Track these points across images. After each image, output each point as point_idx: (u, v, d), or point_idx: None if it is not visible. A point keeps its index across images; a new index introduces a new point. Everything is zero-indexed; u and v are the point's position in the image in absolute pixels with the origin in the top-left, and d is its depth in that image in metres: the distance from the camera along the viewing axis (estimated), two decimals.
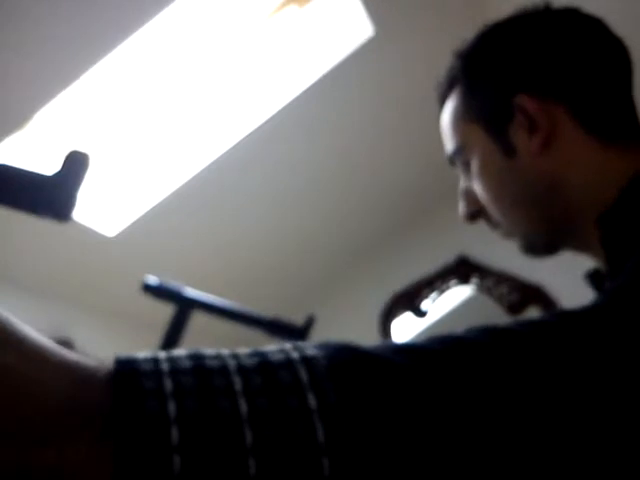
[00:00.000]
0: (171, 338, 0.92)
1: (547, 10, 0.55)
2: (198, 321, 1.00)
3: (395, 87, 2.08)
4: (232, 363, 0.22)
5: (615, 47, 0.53)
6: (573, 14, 0.55)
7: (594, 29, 0.54)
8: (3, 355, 0.19)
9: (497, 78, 0.55)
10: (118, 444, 0.19)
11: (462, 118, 0.57)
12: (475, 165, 0.56)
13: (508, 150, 0.53)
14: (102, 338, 2.06)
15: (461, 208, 0.61)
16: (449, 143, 0.60)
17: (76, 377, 0.21)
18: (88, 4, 1.37)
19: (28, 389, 0.19)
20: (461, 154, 0.58)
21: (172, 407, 0.20)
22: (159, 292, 0.96)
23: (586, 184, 0.50)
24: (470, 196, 0.59)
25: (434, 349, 0.26)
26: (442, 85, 0.60)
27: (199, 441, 0.19)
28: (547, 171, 0.51)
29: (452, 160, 0.61)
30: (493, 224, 0.59)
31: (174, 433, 0.19)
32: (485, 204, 0.58)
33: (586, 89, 0.52)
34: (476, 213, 0.59)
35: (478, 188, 0.57)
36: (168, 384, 0.21)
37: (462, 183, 0.61)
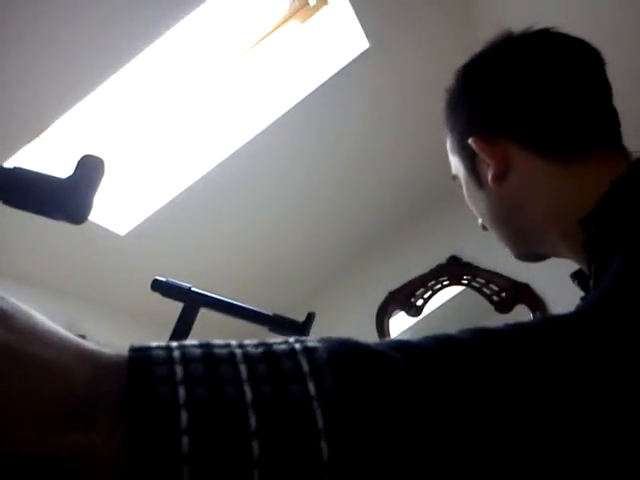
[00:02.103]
0: (180, 333, 0.92)
1: (503, 44, 0.56)
2: (205, 317, 1.00)
3: (390, 98, 2.08)
4: (239, 352, 0.22)
5: (574, 66, 0.53)
6: (529, 41, 0.55)
7: (548, 53, 0.54)
8: (25, 345, 0.20)
9: (459, 120, 0.58)
10: (131, 427, 0.19)
11: (450, 151, 0.63)
12: (463, 191, 0.62)
13: (478, 182, 0.58)
14: (113, 333, 2.06)
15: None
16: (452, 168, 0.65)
17: (95, 364, 0.21)
18: (105, 21, 1.37)
19: (52, 375, 0.19)
20: (456, 180, 0.64)
21: (182, 393, 0.20)
22: (167, 290, 0.96)
23: (549, 201, 0.52)
24: None
25: (429, 347, 0.26)
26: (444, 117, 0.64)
27: (207, 424, 0.19)
28: (508, 197, 0.55)
29: (455, 181, 0.66)
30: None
31: (183, 417, 0.19)
32: None
33: (531, 119, 0.52)
34: (485, 225, 0.65)
35: None
36: (179, 371, 0.21)
37: None
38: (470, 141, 0.55)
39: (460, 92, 0.58)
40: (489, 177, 0.54)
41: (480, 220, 0.64)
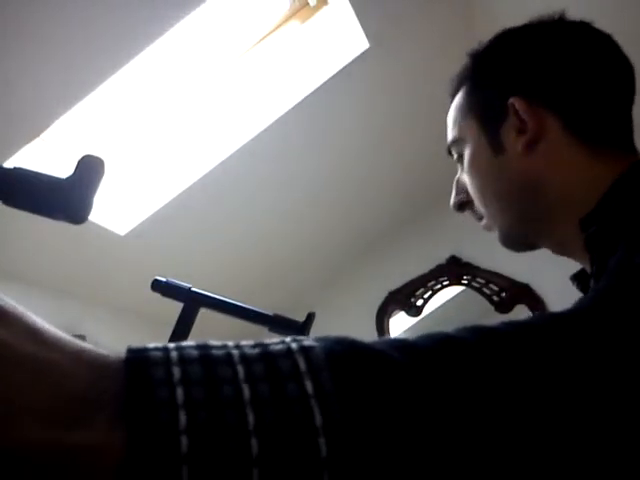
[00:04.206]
0: (180, 333, 0.92)
1: (558, 21, 0.56)
2: (205, 317, 1.00)
3: (390, 98, 2.08)
4: (236, 353, 0.23)
5: (617, 63, 0.54)
6: (582, 28, 0.55)
7: (599, 44, 0.54)
8: (25, 345, 0.20)
9: (498, 79, 0.56)
10: (130, 429, 0.19)
11: (462, 113, 0.59)
12: (466, 157, 0.58)
13: (497, 147, 0.55)
14: (113, 333, 2.06)
15: (452, 197, 0.63)
16: (449, 134, 0.61)
17: (93, 365, 0.21)
18: (103, 22, 1.37)
19: (49, 376, 0.19)
20: (456, 146, 0.60)
21: (180, 394, 0.20)
22: (167, 290, 0.96)
23: (568, 186, 0.50)
24: (461, 186, 0.61)
25: (426, 346, 0.26)
26: (453, 81, 0.62)
27: (205, 424, 0.19)
28: (529, 170, 0.52)
29: (449, 150, 0.62)
30: (477, 216, 0.61)
31: (182, 417, 0.19)
32: (472, 195, 0.59)
33: (579, 99, 0.52)
34: (464, 203, 0.61)
35: (467, 179, 0.59)
36: (176, 372, 0.21)
37: (458, 174, 0.62)
38: (512, 100, 0.53)
39: (504, 53, 0.56)
40: (520, 143, 0.52)
41: (457, 198, 0.61)
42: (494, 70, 0.56)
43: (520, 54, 0.55)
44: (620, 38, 0.54)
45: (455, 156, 0.61)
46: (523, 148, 0.52)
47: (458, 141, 0.60)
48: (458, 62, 0.60)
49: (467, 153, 0.58)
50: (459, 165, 0.61)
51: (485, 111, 0.56)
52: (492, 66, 0.57)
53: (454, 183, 0.63)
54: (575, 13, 0.55)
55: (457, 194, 0.62)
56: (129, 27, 1.43)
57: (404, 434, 0.22)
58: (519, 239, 0.58)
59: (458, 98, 0.60)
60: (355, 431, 0.21)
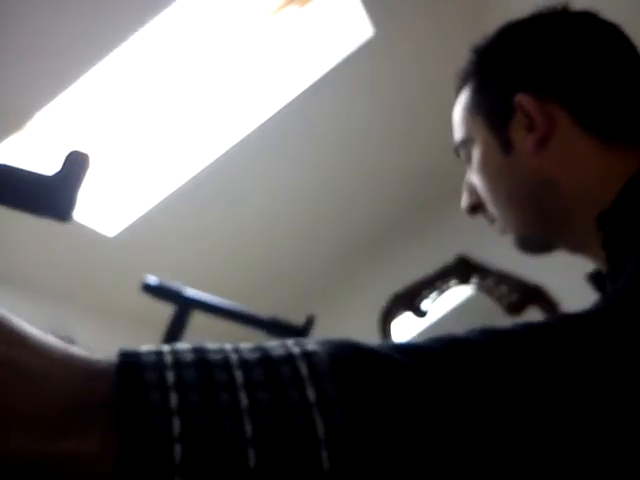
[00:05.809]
0: (171, 337, 0.92)
1: (562, 12, 0.56)
2: (198, 320, 1.00)
3: (393, 88, 2.08)
4: (234, 357, 0.22)
5: (626, 53, 0.53)
6: (588, 18, 0.55)
7: (606, 34, 0.54)
8: (10, 351, 0.20)
9: (504, 75, 0.55)
10: (121, 435, 0.19)
11: (469, 111, 0.58)
12: (475, 158, 0.58)
13: (506, 147, 0.54)
14: (103, 337, 2.06)
15: (463, 199, 0.62)
16: (457, 134, 0.61)
17: (84, 370, 0.21)
18: (88, 5, 1.37)
19: (40, 384, 0.20)
20: (465, 146, 0.59)
21: (174, 399, 0.20)
22: (159, 292, 0.96)
23: (583, 183, 0.50)
24: (472, 188, 0.61)
25: (434, 349, 0.26)
26: (459, 78, 0.61)
27: (200, 432, 0.19)
28: (541, 169, 0.52)
29: (457, 151, 0.62)
30: (490, 218, 0.60)
31: (175, 424, 0.19)
32: (483, 197, 0.58)
33: (590, 92, 0.52)
34: (476, 206, 0.60)
35: (477, 181, 0.58)
36: (170, 377, 0.21)
37: (467, 175, 0.62)
38: (519, 97, 0.52)
39: (508, 48, 0.56)
40: (529, 141, 0.52)
41: (469, 201, 0.60)
42: (499, 66, 0.56)
43: (524, 48, 0.55)
44: (630, 28, 0.54)
45: (464, 157, 0.61)
46: (533, 146, 0.52)
47: (466, 141, 0.59)
48: (466, 50, 0.60)
49: (476, 153, 0.57)
50: (468, 166, 0.61)
51: (492, 109, 0.56)
52: (497, 62, 0.57)
53: (464, 185, 0.62)
54: (582, 2, 0.55)
55: (469, 196, 0.61)
56: (113, 13, 1.42)
57: (410, 446, 0.21)
58: (534, 241, 0.58)
59: (464, 95, 0.60)
60: (359, 443, 0.21)
